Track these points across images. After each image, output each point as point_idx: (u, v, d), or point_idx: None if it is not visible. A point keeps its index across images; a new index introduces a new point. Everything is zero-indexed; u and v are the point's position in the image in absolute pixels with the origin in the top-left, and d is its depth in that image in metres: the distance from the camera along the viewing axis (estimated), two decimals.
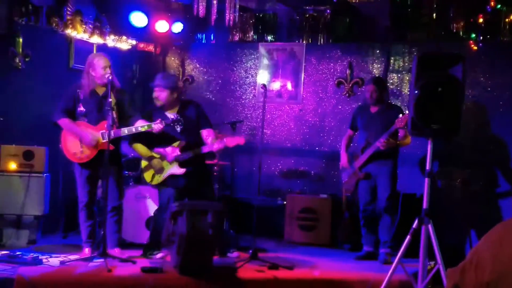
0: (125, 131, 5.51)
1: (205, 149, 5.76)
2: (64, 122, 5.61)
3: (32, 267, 5.12)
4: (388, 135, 6.01)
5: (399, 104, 7.26)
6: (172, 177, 5.74)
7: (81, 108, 5.63)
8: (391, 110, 6.26)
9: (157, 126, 5.48)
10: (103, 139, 5.50)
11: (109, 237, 5.56)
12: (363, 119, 6.41)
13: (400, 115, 5.93)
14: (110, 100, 5.38)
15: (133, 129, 5.52)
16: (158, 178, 5.80)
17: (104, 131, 5.49)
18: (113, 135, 5.44)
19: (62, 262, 5.30)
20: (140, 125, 5.53)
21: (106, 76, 5.48)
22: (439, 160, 6.92)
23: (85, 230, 5.70)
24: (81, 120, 5.62)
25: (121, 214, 5.81)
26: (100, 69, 5.57)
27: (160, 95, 5.80)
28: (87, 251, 5.64)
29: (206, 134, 5.87)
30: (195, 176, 5.80)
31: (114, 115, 5.52)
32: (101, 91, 5.64)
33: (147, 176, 5.87)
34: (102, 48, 7.49)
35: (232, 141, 5.70)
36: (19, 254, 5.37)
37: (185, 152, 5.72)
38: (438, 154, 6.69)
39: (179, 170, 5.72)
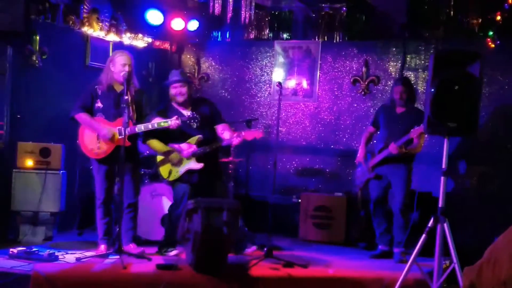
0: (141, 127, 5.53)
1: (225, 143, 5.81)
2: (81, 116, 5.66)
3: (48, 263, 5.15)
4: (403, 142, 5.97)
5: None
6: (188, 172, 5.76)
7: (99, 104, 5.68)
8: (415, 114, 6.10)
9: (174, 122, 5.48)
10: (120, 135, 5.53)
11: (124, 233, 5.59)
12: (386, 118, 6.34)
13: (416, 126, 5.84)
14: (127, 97, 5.41)
15: (149, 126, 5.54)
16: (176, 174, 5.81)
17: (120, 127, 5.51)
18: (129, 131, 5.46)
19: (78, 259, 5.33)
20: (157, 122, 5.54)
21: (122, 73, 5.51)
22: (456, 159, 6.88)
23: (102, 226, 5.73)
24: (98, 116, 5.67)
25: (137, 211, 5.84)
26: (119, 65, 5.61)
27: (182, 90, 5.85)
28: (103, 247, 5.67)
29: (222, 129, 5.91)
30: (209, 172, 5.82)
31: (131, 112, 5.55)
32: (119, 88, 5.68)
33: (164, 171, 5.88)
34: (118, 46, 7.52)
35: (250, 134, 5.76)
36: (35, 250, 5.40)
37: (203, 147, 5.75)
38: (464, 152, 6.68)
39: (197, 165, 5.73)
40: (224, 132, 5.87)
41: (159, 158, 5.92)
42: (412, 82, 7.37)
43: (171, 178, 5.85)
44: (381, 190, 6.29)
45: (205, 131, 5.83)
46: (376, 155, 6.25)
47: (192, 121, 5.59)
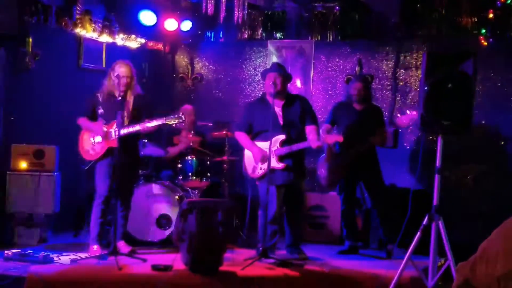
0: (130, 129, 5.57)
1: (303, 145, 5.74)
2: (81, 121, 5.80)
3: (43, 265, 5.14)
4: (385, 133, 6.10)
5: (408, 101, 7.31)
6: (271, 171, 5.67)
7: (100, 110, 5.78)
8: (374, 111, 6.34)
9: (152, 124, 5.54)
10: (111, 137, 5.63)
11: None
12: (345, 115, 6.34)
13: (399, 114, 5.97)
14: (120, 98, 5.52)
15: (137, 127, 5.59)
16: (258, 171, 5.85)
17: (112, 130, 5.64)
18: (118, 134, 5.54)
19: (73, 260, 5.32)
20: (142, 123, 5.60)
21: (121, 82, 5.61)
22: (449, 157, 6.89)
23: (97, 226, 5.74)
24: (100, 121, 5.77)
25: (129, 210, 5.93)
26: (119, 74, 5.68)
27: (277, 81, 5.78)
28: (95, 248, 5.67)
29: (309, 130, 5.86)
30: (293, 171, 5.80)
31: (124, 115, 5.61)
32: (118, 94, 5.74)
33: (249, 167, 5.95)
34: (112, 47, 7.53)
35: (330, 138, 5.73)
36: (30, 252, 5.39)
37: (284, 147, 5.73)
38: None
39: (278, 165, 5.72)
40: (310, 135, 5.82)
41: (246, 153, 5.98)
42: (406, 80, 7.46)
43: (254, 175, 5.90)
44: (351, 191, 6.38)
45: (290, 130, 5.81)
46: (345, 152, 6.23)
47: (176, 119, 5.58)
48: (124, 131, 5.54)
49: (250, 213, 6.75)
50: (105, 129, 5.67)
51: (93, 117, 5.80)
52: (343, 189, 6.38)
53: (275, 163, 5.69)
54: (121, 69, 5.73)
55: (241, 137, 6.01)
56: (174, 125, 5.75)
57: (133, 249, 5.77)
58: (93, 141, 5.77)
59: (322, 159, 6.40)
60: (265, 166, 5.76)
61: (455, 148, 6.72)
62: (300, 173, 5.93)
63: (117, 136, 5.48)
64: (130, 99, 5.76)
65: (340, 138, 5.75)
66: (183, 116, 5.61)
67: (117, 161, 5.46)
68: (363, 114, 6.28)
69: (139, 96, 5.85)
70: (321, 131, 6.16)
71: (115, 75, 5.71)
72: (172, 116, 5.58)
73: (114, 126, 5.60)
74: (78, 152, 5.87)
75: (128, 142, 5.65)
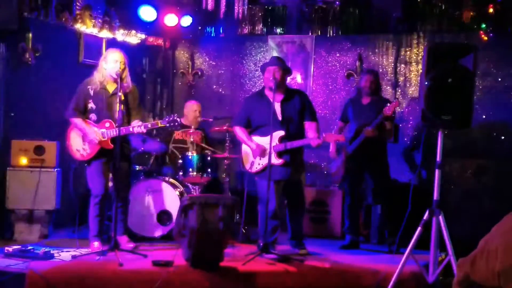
0: (122, 130, 5.51)
1: (303, 143, 5.71)
2: (73, 121, 5.70)
3: (44, 261, 5.14)
4: (376, 124, 6.02)
5: (409, 96, 7.30)
6: (271, 168, 5.59)
7: (91, 105, 5.69)
8: (382, 102, 6.23)
9: (143, 128, 5.52)
10: (104, 137, 5.60)
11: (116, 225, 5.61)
12: (354, 110, 6.37)
13: (388, 104, 5.98)
14: (120, 94, 5.43)
15: (130, 129, 5.57)
16: (257, 166, 5.82)
17: (104, 130, 5.60)
18: (111, 134, 5.56)
19: (73, 256, 5.31)
20: (137, 125, 5.57)
21: (115, 70, 5.51)
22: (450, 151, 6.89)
23: (97, 224, 5.73)
24: (91, 116, 5.70)
25: (127, 205, 5.92)
26: (111, 62, 5.61)
27: (276, 75, 5.71)
28: (96, 244, 5.67)
29: (308, 127, 5.83)
30: (291, 167, 5.77)
31: (121, 113, 5.56)
32: (111, 88, 5.68)
33: (246, 162, 5.93)
34: (112, 43, 7.51)
35: (331, 137, 5.70)
36: (30, 248, 5.39)
37: (283, 143, 5.69)
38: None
39: (277, 161, 5.67)
40: (309, 131, 5.79)
41: (243, 147, 5.95)
42: (406, 75, 7.45)
43: (252, 170, 5.85)
44: (356, 184, 6.37)
45: (289, 126, 5.77)
46: (348, 146, 6.26)
47: (171, 123, 5.54)
48: (113, 132, 5.55)
49: (247, 208, 6.74)
50: (98, 132, 5.60)
51: (84, 111, 5.70)
52: (350, 182, 6.36)
53: (274, 159, 5.65)
54: (114, 54, 5.64)
55: (239, 132, 5.98)
56: (168, 128, 5.71)
57: (136, 246, 5.77)
58: (84, 142, 5.67)
59: (332, 157, 6.45)
60: (263, 161, 5.74)
61: (456, 142, 6.74)
62: (298, 168, 5.90)
63: (110, 137, 5.54)
64: (123, 92, 5.61)
65: (341, 138, 5.75)
66: (178, 119, 5.59)
67: (114, 162, 5.49)
68: (369, 106, 6.27)
69: (130, 90, 5.76)
70: (334, 129, 6.33)
71: (107, 63, 5.62)
72: (167, 119, 5.56)
73: (107, 125, 5.59)
74: (66, 149, 5.83)
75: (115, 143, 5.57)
